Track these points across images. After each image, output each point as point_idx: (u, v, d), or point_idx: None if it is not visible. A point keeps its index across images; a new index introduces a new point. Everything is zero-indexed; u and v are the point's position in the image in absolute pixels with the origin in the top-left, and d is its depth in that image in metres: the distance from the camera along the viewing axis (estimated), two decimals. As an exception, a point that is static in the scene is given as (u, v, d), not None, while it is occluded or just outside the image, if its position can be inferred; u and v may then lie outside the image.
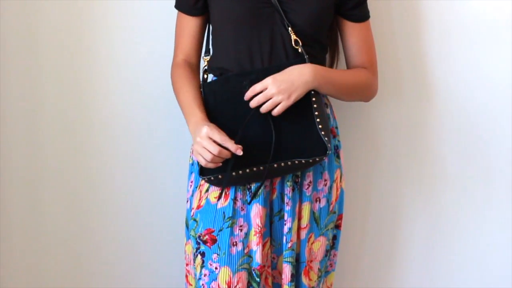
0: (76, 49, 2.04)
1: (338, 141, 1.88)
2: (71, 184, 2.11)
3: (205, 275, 1.77)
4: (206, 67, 1.80)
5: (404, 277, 2.24)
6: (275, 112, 1.68)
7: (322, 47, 1.83)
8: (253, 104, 1.69)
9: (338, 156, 1.87)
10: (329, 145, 1.70)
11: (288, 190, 1.77)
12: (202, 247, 1.77)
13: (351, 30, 1.84)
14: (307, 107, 1.71)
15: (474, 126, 2.13)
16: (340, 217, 1.91)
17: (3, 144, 2.06)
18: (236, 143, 1.65)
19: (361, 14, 1.84)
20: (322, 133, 1.70)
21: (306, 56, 1.72)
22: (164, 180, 2.12)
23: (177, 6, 1.83)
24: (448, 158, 2.15)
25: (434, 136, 2.14)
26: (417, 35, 2.08)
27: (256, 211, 1.75)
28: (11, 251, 2.12)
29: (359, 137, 2.14)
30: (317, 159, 1.71)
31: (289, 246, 1.77)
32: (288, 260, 1.77)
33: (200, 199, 1.79)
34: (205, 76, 1.80)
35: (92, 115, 2.08)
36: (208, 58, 1.81)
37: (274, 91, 1.67)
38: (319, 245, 1.83)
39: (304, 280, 1.83)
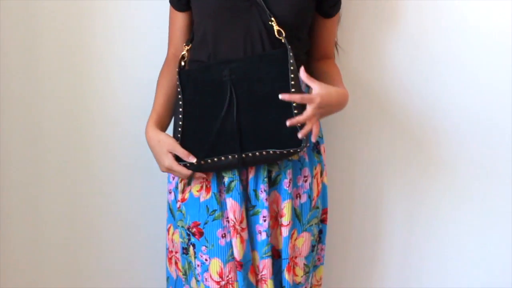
0: (76, 49, 2.05)
1: (320, 137, 1.87)
2: (71, 184, 2.13)
3: (198, 265, 1.81)
4: (184, 54, 1.81)
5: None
6: (316, 132, 1.65)
7: (303, 45, 1.83)
8: (300, 119, 1.63)
9: (318, 152, 1.86)
10: (305, 137, 1.67)
11: (264, 186, 1.76)
12: (192, 239, 1.80)
13: (323, 25, 1.87)
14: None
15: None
16: (324, 211, 1.90)
17: (3, 144, 2.08)
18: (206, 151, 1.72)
19: (336, 10, 1.87)
20: (299, 125, 1.66)
21: (288, 47, 1.69)
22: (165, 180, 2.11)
23: (170, 0, 1.86)
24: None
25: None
26: (415, 31, 2.07)
27: (230, 205, 1.76)
28: (11, 251, 2.14)
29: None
30: (291, 151, 1.69)
31: (269, 240, 1.77)
32: (269, 255, 1.78)
33: (184, 192, 1.81)
34: (182, 63, 1.80)
35: (93, 115, 2.10)
36: (188, 47, 1.81)
37: (319, 112, 1.64)
38: (302, 241, 1.82)
39: (288, 276, 1.81)
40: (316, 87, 1.64)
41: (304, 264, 1.83)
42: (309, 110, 1.62)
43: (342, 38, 2.01)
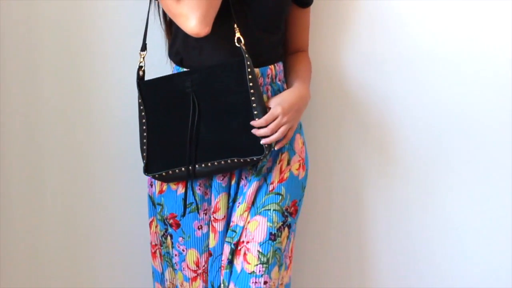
0: (76, 49, 2.04)
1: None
2: (71, 183, 2.13)
3: (175, 255, 1.86)
4: (142, 64, 1.79)
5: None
6: (288, 137, 1.75)
7: (282, 34, 1.85)
8: (267, 132, 1.70)
9: (290, 142, 1.84)
10: (266, 145, 1.71)
11: (245, 174, 1.78)
12: (170, 229, 1.85)
13: (298, 16, 1.88)
14: (247, 105, 1.71)
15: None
16: (293, 203, 1.81)
17: (3, 144, 2.07)
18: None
19: (309, 0, 1.89)
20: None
21: (246, 56, 1.69)
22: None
23: None
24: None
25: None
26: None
27: (206, 197, 1.81)
28: (11, 251, 2.13)
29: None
30: (254, 158, 1.71)
31: (230, 225, 1.77)
32: (228, 241, 1.77)
33: (162, 184, 1.84)
34: (141, 73, 1.79)
35: (92, 114, 2.09)
36: (144, 54, 1.79)
37: (285, 120, 1.71)
38: (256, 225, 1.74)
39: (236, 261, 1.74)
40: (271, 102, 1.73)
41: (259, 251, 1.72)
42: (274, 123, 1.70)
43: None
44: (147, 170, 1.79)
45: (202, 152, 1.74)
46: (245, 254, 1.72)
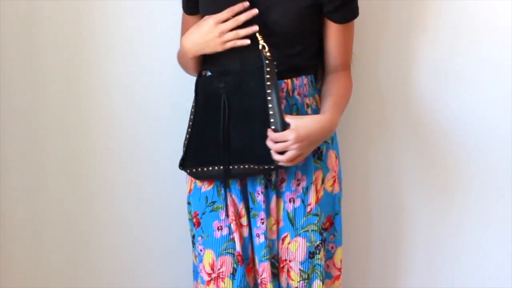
0: (76, 49, 2.07)
1: (327, 142, 1.85)
2: (71, 184, 2.14)
3: (195, 256, 1.87)
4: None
5: (407, 276, 2.21)
6: (295, 162, 1.70)
7: (310, 52, 1.82)
8: (275, 148, 1.68)
9: (319, 158, 1.84)
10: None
11: (261, 189, 1.79)
12: (193, 229, 1.87)
13: (332, 31, 1.81)
14: (265, 111, 1.71)
15: (475, 120, 2.09)
16: (328, 219, 1.86)
17: (3, 144, 2.08)
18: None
19: (345, 16, 1.80)
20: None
21: (266, 62, 1.71)
22: (166, 177, 2.15)
23: (182, 6, 1.90)
24: (448, 152, 2.12)
25: (434, 130, 2.11)
26: (415, 34, 2.07)
27: (230, 200, 1.81)
28: (11, 251, 2.13)
29: (356, 140, 2.14)
30: (266, 167, 1.72)
31: (268, 244, 1.79)
32: (268, 258, 1.79)
33: (191, 183, 1.89)
34: (203, 72, 1.83)
35: (93, 115, 2.11)
36: None
37: (295, 147, 1.66)
38: (296, 245, 1.81)
39: (281, 277, 1.82)
40: (292, 122, 1.68)
41: (300, 269, 1.81)
42: (282, 145, 1.66)
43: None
44: (182, 164, 1.83)
45: (234, 154, 1.77)
46: (288, 271, 1.83)
